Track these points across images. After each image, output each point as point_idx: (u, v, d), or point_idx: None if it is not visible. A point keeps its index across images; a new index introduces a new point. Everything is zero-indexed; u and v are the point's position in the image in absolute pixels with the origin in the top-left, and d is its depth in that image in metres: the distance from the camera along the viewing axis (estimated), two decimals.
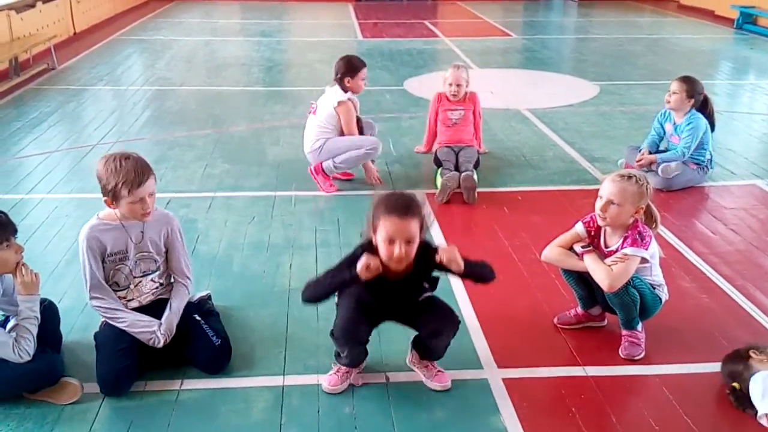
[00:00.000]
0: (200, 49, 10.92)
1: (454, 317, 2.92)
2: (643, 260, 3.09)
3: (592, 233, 3.22)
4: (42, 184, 5.24)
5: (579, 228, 3.25)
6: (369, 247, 2.71)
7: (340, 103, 5.06)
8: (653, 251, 3.14)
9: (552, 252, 3.27)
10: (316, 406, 2.86)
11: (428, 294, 2.93)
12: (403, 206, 2.61)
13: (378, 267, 2.65)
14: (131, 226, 3.04)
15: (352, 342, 2.85)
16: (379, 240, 2.63)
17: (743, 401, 2.80)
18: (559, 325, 3.39)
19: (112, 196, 2.92)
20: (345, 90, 5.09)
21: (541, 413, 2.82)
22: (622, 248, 3.07)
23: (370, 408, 2.86)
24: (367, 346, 3.00)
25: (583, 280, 3.25)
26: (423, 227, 2.68)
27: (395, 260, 2.62)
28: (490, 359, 3.16)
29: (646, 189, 3.07)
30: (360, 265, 2.64)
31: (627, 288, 3.06)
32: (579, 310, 3.39)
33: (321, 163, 5.10)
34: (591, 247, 3.18)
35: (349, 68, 5.08)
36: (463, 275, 2.80)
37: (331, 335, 2.90)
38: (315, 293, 2.82)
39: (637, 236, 3.06)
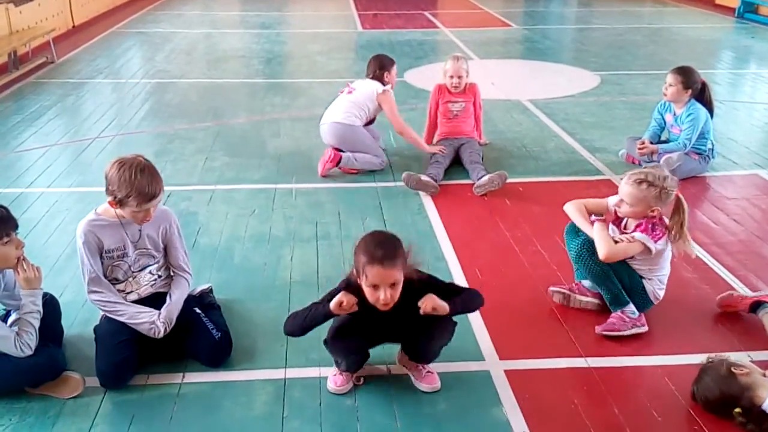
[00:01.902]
0: (200, 42, 10.88)
1: (450, 326, 2.87)
2: (646, 250, 3.14)
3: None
4: (42, 178, 5.23)
5: (611, 200, 3.36)
6: (351, 283, 2.75)
7: (384, 91, 5.29)
8: (662, 248, 3.19)
9: (573, 206, 3.39)
10: (318, 398, 2.86)
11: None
12: (384, 254, 2.62)
13: (352, 304, 2.69)
14: (129, 223, 3.04)
15: (348, 353, 2.86)
16: (364, 285, 2.67)
17: (760, 419, 2.61)
18: (552, 288, 3.48)
19: (119, 202, 2.92)
20: (384, 84, 5.33)
21: (543, 404, 2.82)
22: (633, 232, 3.19)
23: (372, 400, 2.86)
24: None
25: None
26: (406, 265, 2.69)
27: (381, 305, 2.66)
28: (492, 351, 3.16)
29: (661, 192, 3.14)
30: (333, 303, 2.69)
31: (588, 254, 3.21)
32: (576, 283, 3.48)
33: (340, 153, 5.19)
34: (603, 220, 3.31)
35: (386, 64, 5.39)
36: (450, 314, 2.78)
37: (325, 344, 2.88)
38: (294, 327, 2.85)
39: (650, 227, 3.16)
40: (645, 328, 3.24)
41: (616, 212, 3.33)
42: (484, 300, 2.90)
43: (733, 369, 2.71)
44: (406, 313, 2.73)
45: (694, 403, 2.78)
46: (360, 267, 2.66)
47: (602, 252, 3.15)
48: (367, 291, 2.67)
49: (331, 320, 2.85)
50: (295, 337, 2.90)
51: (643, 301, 3.30)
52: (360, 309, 2.71)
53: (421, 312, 2.70)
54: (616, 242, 3.18)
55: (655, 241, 3.16)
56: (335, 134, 5.25)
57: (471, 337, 3.26)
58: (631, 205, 3.19)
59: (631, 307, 3.24)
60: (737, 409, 2.65)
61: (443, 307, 2.71)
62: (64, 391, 2.85)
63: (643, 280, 3.29)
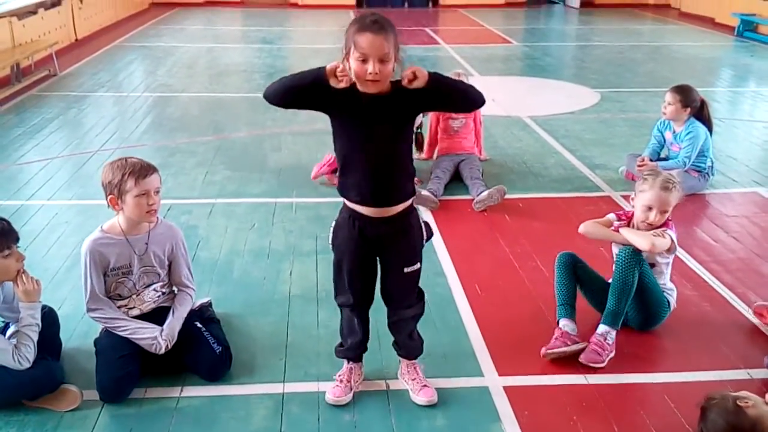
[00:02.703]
0: (202, 56, 10.93)
1: (418, 301, 2.92)
2: (671, 246, 3.22)
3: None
4: (43, 191, 5.23)
5: (611, 216, 3.42)
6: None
7: None
8: (675, 250, 3.30)
9: (589, 224, 3.39)
10: (317, 413, 2.85)
11: (415, 267, 2.82)
12: (376, 22, 2.48)
13: (346, 73, 2.47)
14: (135, 240, 3.04)
15: (356, 297, 2.85)
16: (353, 60, 2.48)
17: None
18: (548, 352, 3.17)
19: (118, 192, 2.91)
20: None
21: (542, 421, 2.81)
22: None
23: (370, 415, 2.85)
24: (367, 355, 3.00)
25: (574, 280, 3.37)
26: (398, 50, 2.53)
27: (370, 79, 2.47)
28: (491, 367, 3.15)
29: (681, 190, 3.31)
30: (330, 65, 2.49)
31: (636, 267, 3.16)
32: (558, 332, 3.24)
33: (335, 164, 5.19)
34: (623, 221, 3.36)
35: None
36: (434, 85, 2.54)
37: (336, 299, 2.94)
38: (278, 84, 2.57)
39: (668, 223, 3.28)
40: (614, 353, 3.18)
41: (628, 224, 3.37)
42: (483, 97, 2.65)
43: (739, 403, 2.60)
44: (394, 107, 2.58)
45: None
46: (350, 39, 2.48)
47: (646, 244, 3.14)
48: (356, 66, 2.48)
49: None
50: (271, 100, 2.58)
51: (665, 314, 3.38)
52: (349, 93, 2.51)
53: (404, 82, 2.51)
54: None
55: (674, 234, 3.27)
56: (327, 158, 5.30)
57: (470, 352, 3.26)
58: (665, 211, 3.24)
59: (614, 334, 3.20)
60: None
61: (423, 72, 2.50)
62: (61, 404, 2.84)
63: (665, 294, 3.36)
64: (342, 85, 2.49)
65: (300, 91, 2.58)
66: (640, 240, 3.17)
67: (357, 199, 2.71)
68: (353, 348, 2.98)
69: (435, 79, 2.54)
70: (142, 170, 2.92)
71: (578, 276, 3.39)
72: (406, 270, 2.81)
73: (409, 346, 2.99)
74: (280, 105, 2.62)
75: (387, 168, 2.67)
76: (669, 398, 2.94)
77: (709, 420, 2.64)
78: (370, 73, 2.45)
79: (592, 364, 3.12)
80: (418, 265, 2.85)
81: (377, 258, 2.85)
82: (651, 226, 3.26)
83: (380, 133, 2.61)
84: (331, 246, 2.91)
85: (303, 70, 2.58)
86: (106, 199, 2.96)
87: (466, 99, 2.67)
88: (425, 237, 2.86)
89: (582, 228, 3.40)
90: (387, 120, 2.61)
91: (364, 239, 2.76)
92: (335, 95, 2.54)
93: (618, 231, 3.30)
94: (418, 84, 2.51)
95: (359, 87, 2.55)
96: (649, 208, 3.24)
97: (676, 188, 3.26)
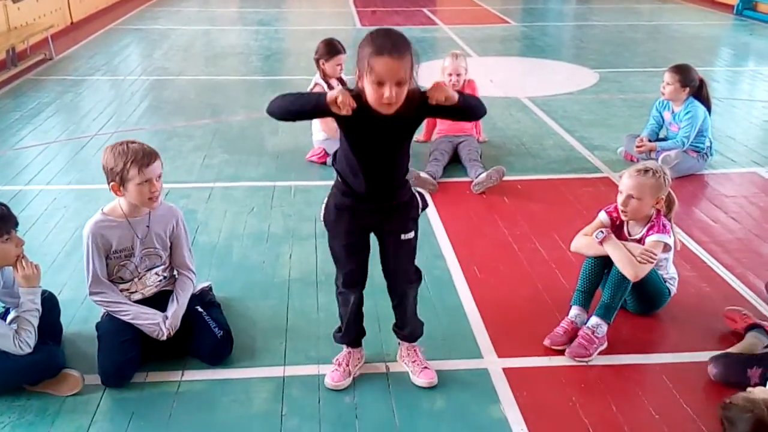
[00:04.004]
0: (198, 39, 10.87)
1: (416, 274, 2.91)
2: (665, 248, 3.17)
3: (617, 223, 3.30)
4: (40, 175, 5.22)
5: (602, 217, 3.33)
6: (352, 90, 2.51)
7: (310, 90, 5.25)
8: (672, 242, 3.23)
9: (579, 241, 3.32)
10: (317, 396, 2.87)
11: (411, 235, 2.81)
12: (394, 45, 2.38)
13: (347, 104, 2.40)
14: (137, 223, 3.03)
15: (351, 273, 2.88)
16: (368, 83, 2.42)
17: None
18: (552, 348, 3.16)
19: (120, 180, 2.89)
20: (321, 73, 5.29)
21: (541, 402, 2.83)
22: (647, 236, 3.16)
23: (370, 397, 2.86)
24: (367, 338, 3.01)
25: (602, 270, 3.24)
26: (413, 68, 2.44)
27: (385, 103, 2.42)
28: (490, 348, 3.17)
29: (664, 180, 3.17)
30: (330, 95, 2.42)
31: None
32: (566, 323, 3.21)
33: (326, 157, 5.31)
34: (605, 234, 3.18)
35: (327, 50, 5.24)
36: (459, 105, 2.50)
37: (336, 291, 2.97)
38: (279, 107, 2.56)
39: (662, 226, 3.17)
40: (605, 345, 3.14)
41: (613, 222, 3.29)
42: (485, 109, 2.65)
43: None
44: (404, 124, 2.58)
45: None
46: (365, 61, 2.40)
47: (632, 273, 3.05)
48: (371, 90, 2.41)
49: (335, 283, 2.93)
50: (274, 118, 2.58)
51: (664, 302, 3.37)
52: (357, 112, 2.44)
53: (432, 102, 2.45)
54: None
55: (669, 236, 3.19)
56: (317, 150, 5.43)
57: (469, 334, 3.27)
58: (640, 197, 3.13)
59: (605, 327, 3.15)
60: None
61: (453, 96, 2.45)
62: (63, 389, 2.85)
63: (666, 282, 3.34)
64: (344, 113, 2.43)
65: (303, 114, 2.66)
66: (625, 267, 3.08)
67: (351, 194, 2.74)
68: (350, 333, 2.98)
69: (462, 103, 2.51)
70: (145, 158, 2.89)
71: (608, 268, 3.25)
72: (403, 237, 2.79)
73: (414, 325, 2.99)
74: (286, 121, 2.71)
75: (387, 173, 2.70)
76: (668, 379, 2.95)
77: (737, 428, 2.43)
78: (387, 98, 2.40)
79: (577, 359, 3.07)
80: (413, 233, 2.82)
81: (371, 233, 2.86)
82: (627, 215, 3.20)
83: (386, 146, 2.63)
84: (323, 223, 2.93)
85: (303, 95, 2.61)
86: (108, 185, 2.95)
87: (475, 114, 2.67)
88: (420, 207, 2.85)
89: (573, 245, 3.36)
90: (395, 135, 2.62)
91: (358, 219, 2.79)
92: (343, 116, 2.48)
93: (602, 245, 3.17)
94: (446, 104, 2.47)
95: (371, 106, 2.48)
96: (627, 197, 3.16)
97: (654, 174, 3.14)
